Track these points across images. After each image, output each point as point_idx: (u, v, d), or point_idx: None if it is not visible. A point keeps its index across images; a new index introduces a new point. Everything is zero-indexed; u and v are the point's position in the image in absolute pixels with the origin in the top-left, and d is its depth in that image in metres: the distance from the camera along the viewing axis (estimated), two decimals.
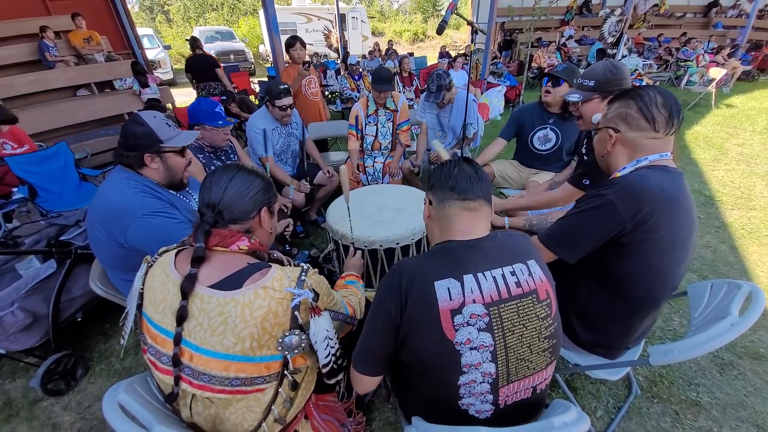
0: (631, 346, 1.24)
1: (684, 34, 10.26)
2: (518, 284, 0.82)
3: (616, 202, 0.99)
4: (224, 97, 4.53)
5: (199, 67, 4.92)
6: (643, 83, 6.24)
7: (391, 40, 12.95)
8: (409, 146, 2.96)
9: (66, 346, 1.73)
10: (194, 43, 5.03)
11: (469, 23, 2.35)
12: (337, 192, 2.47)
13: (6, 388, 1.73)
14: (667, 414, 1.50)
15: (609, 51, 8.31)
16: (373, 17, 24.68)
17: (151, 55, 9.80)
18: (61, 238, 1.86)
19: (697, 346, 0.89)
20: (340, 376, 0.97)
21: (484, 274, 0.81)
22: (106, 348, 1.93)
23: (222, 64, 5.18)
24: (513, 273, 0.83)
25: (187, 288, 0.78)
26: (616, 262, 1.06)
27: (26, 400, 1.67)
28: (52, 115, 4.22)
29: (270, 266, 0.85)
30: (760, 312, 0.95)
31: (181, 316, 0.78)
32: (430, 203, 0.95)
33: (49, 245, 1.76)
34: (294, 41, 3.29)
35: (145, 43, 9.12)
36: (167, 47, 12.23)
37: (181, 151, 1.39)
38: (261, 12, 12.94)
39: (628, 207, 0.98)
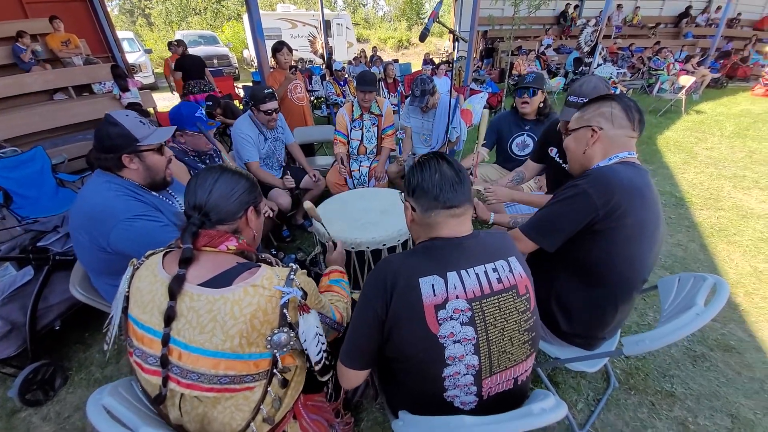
0: (608, 336, 1.30)
1: (657, 43, 10.71)
2: (499, 280, 0.86)
3: (590, 190, 1.06)
4: (209, 102, 4.51)
5: (190, 66, 5.29)
6: (617, 91, 6.49)
7: (375, 47, 13.06)
8: (394, 150, 3.01)
9: (44, 356, 1.67)
10: (182, 44, 5.59)
11: (451, 32, 2.39)
12: (323, 196, 2.49)
13: None
14: (643, 405, 1.56)
15: (585, 60, 8.60)
16: (357, 24, 24.86)
17: (131, 58, 9.62)
18: (39, 244, 1.81)
19: (665, 336, 0.95)
20: (332, 373, 0.98)
21: (467, 271, 0.84)
22: (85, 357, 1.88)
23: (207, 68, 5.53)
24: (495, 270, 0.86)
25: (175, 288, 0.78)
26: (588, 249, 1.12)
27: (4, 410, 1.61)
28: (28, 119, 4.07)
29: (259, 266, 0.86)
30: (724, 301, 1.01)
31: (169, 317, 0.78)
32: (413, 209, 0.93)
33: (26, 252, 1.71)
34: (281, 46, 3.31)
35: (126, 46, 8.97)
36: (148, 51, 12.00)
37: (159, 149, 1.35)
38: (245, 17, 12.88)
39: (600, 195, 1.04)
